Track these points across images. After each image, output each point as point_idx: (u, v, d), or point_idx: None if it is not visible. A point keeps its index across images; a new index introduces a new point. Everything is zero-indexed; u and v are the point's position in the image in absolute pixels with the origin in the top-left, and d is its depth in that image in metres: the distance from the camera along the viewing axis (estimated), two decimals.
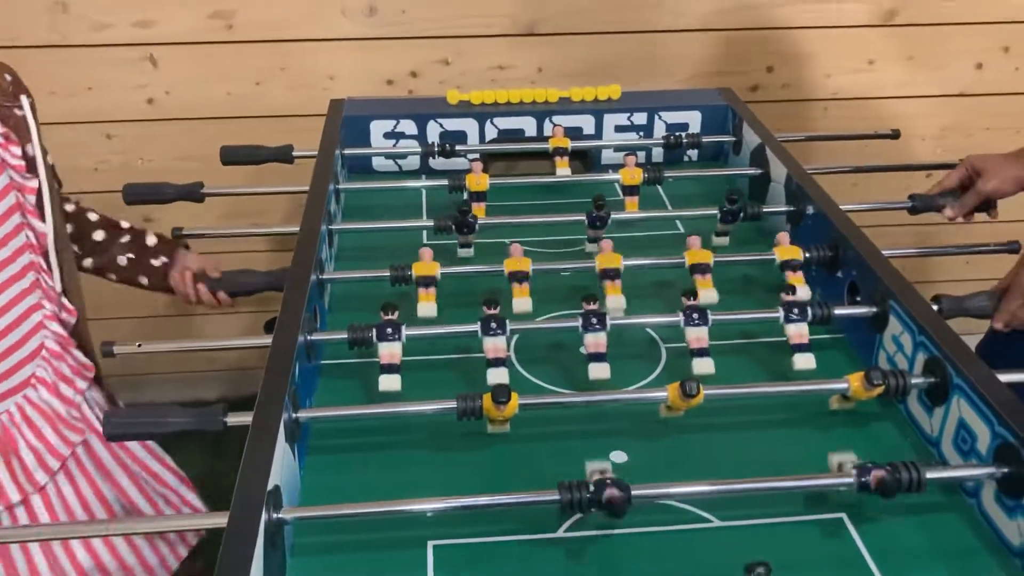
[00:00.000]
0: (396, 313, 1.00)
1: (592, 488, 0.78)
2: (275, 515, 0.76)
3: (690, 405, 0.91)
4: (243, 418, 0.86)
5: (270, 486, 0.75)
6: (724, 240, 1.30)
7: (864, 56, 1.96)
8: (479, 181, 1.34)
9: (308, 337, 0.99)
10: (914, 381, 0.93)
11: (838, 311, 1.05)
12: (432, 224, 1.25)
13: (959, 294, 1.09)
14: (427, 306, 1.13)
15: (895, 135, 1.58)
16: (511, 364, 1.07)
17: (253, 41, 1.82)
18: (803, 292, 1.13)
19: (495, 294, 1.01)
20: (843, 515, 0.85)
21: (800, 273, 1.15)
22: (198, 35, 1.81)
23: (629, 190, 1.37)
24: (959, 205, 1.32)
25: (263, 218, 2.00)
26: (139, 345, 1.05)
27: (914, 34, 1.94)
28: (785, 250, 1.16)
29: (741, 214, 1.26)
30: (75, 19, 1.75)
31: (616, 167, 1.47)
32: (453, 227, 1.24)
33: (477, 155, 1.52)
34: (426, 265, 1.12)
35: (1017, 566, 0.79)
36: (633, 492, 0.78)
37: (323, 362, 1.07)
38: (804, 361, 1.04)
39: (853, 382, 0.93)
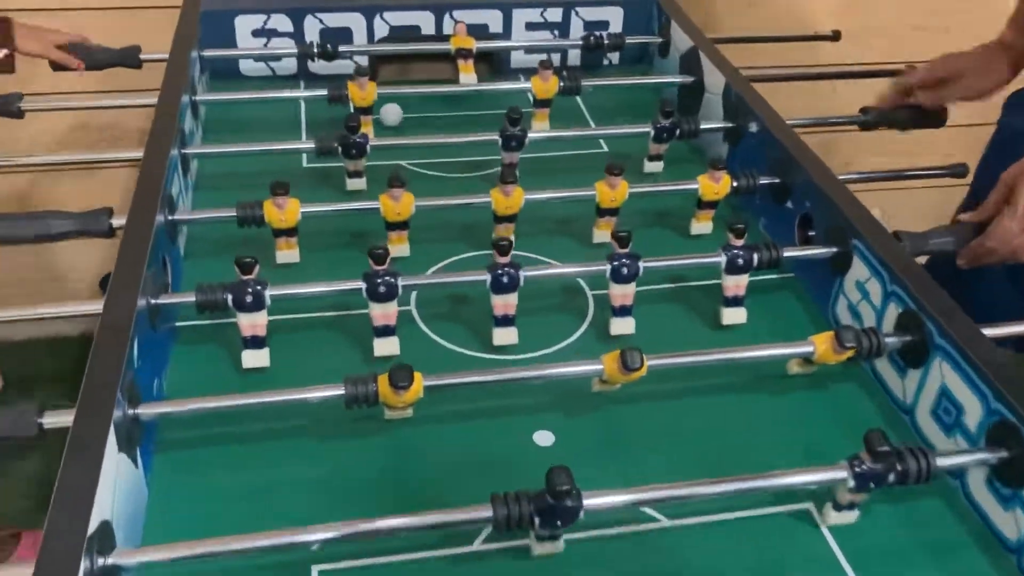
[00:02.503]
0: (256, 270, 0.80)
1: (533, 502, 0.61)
2: (101, 562, 0.57)
3: (630, 379, 0.75)
4: (64, 419, 0.66)
5: (93, 526, 0.56)
6: (658, 165, 1.13)
7: None
8: (364, 94, 1.12)
9: (153, 301, 0.78)
10: (888, 340, 0.79)
11: (789, 253, 0.90)
12: (313, 146, 1.03)
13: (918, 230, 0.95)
14: (288, 254, 0.95)
15: (835, 36, 1.42)
16: (412, 321, 0.89)
17: None
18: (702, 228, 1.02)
19: (383, 247, 0.81)
20: (809, 506, 0.71)
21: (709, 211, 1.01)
22: None
23: (542, 103, 1.18)
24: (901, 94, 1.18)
25: (120, 130, 1.72)
26: None
27: None
28: (707, 185, 0.99)
29: (676, 131, 1.09)
30: None
31: (528, 72, 1.28)
32: (339, 149, 1.03)
33: (364, 57, 1.29)
34: (282, 214, 0.91)
35: (1012, 564, 0.68)
36: (586, 502, 0.62)
37: (178, 324, 0.87)
38: (734, 316, 0.90)
39: (819, 344, 0.78)
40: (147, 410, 0.70)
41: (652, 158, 1.12)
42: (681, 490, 0.65)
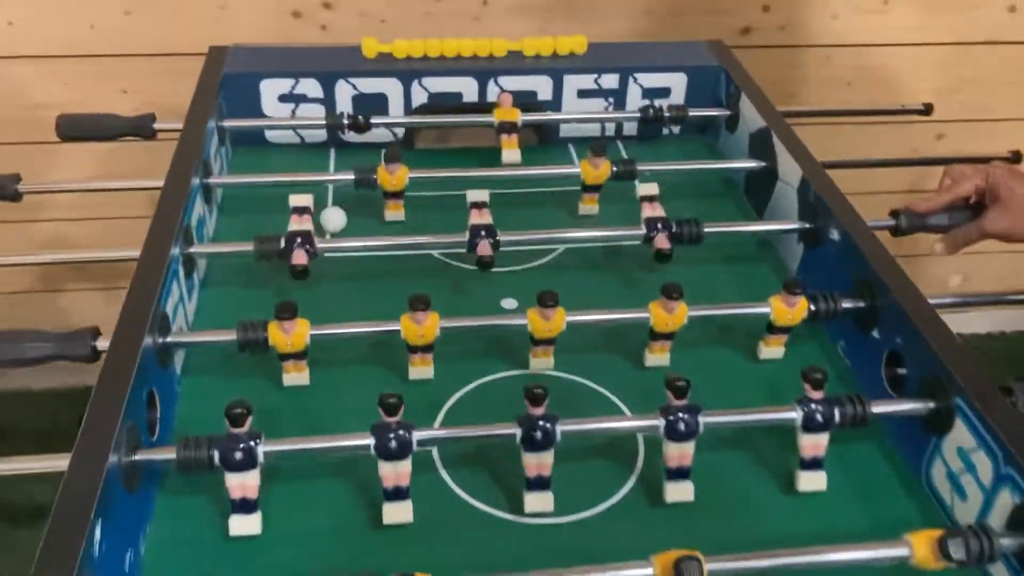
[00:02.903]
0: (249, 422, 0.69)
1: None
2: None
3: None
4: None
5: None
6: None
7: None
8: (395, 179, 1.01)
9: (126, 459, 0.67)
10: (1004, 542, 0.65)
11: (878, 409, 0.76)
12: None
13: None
14: (296, 376, 0.84)
15: (927, 110, 1.26)
16: (433, 469, 0.77)
17: None
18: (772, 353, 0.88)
19: (395, 395, 0.70)
20: None
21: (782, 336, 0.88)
22: None
23: (591, 188, 1.06)
24: (952, 239, 0.99)
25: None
26: None
27: None
28: (780, 309, 0.86)
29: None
30: None
31: (579, 141, 1.16)
32: None
33: (401, 129, 1.18)
34: (288, 339, 0.80)
35: None
36: None
37: (158, 484, 0.75)
38: (812, 481, 0.76)
39: (918, 548, 0.64)
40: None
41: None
42: None
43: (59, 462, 0.64)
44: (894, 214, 0.99)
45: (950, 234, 0.98)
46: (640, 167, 1.06)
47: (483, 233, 0.92)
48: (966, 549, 0.63)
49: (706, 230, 0.97)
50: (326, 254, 0.94)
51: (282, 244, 0.91)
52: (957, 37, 1.67)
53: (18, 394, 1.84)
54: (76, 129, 1.11)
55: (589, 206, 1.08)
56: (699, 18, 1.58)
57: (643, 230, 0.96)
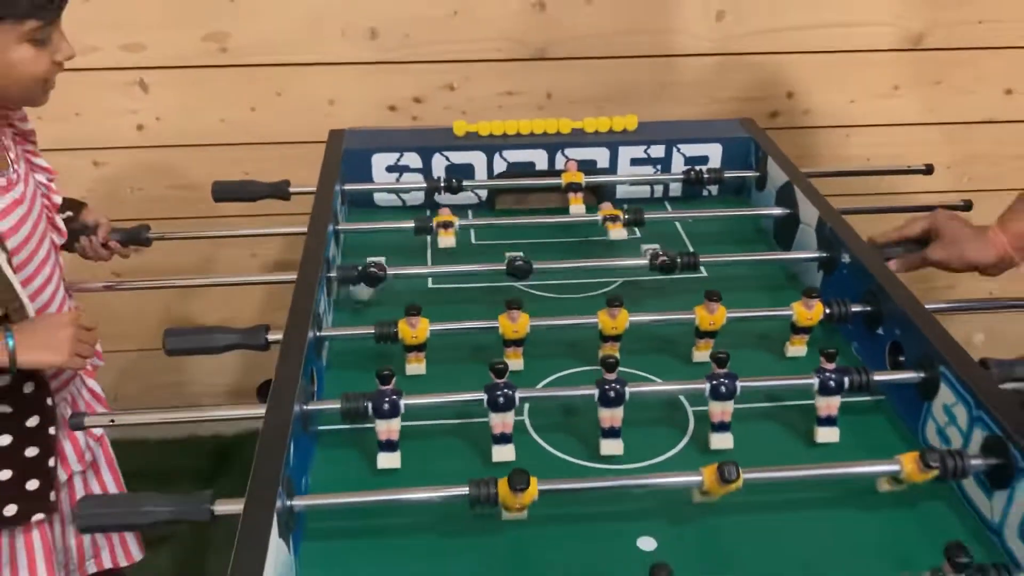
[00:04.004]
0: (394, 381, 0.91)
1: None
2: None
3: (728, 491, 0.82)
4: (233, 507, 0.77)
5: None
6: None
7: (890, 81, 1.86)
8: (417, 332, 1.14)
9: (304, 407, 0.90)
10: (973, 462, 0.84)
11: (878, 377, 0.97)
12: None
13: (1006, 357, 1.00)
14: (416, 367, 1.07)
15: (928, 170, 1.49)
16: (525, 431, 0.98)
17: (248, 65, 1.73)
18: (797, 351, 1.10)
19: (502, 362, 0.92)
20: None
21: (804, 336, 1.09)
22: (190, 59, 1.72)
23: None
24: (903, 261, 1.22)
25: (260, 247, 1.91)
26: (112, 420, 0.96)
27: (942, 58, 1.85)
28: (801, 312, 1.07)
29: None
30: None
31: (632, 201, 1.40)
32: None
33: (485, 191, 1.44)
34: (414, 332, 1.03)
35: None
36: None
37: (320, 428, 0.98)
38: (827, 435, 0.96)
39: (906, 464, 0.84)
40: (300, 502, 0.80)
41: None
42: None
43: (259, 409, 0.87)
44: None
45: (902, 257, 1.22)
46: (687, 214, 1.30)
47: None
48: (941, 461, 0.82)
49: (744, 258, 1.20)
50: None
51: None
52: (961, 117, 1.91)
53: (179, 441, 2.10)
54: (227, 192, 1.39)
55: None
56: (733, 104, 1.84)
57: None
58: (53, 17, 1.01)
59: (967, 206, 1.42)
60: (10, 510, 1.05)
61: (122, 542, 1.30)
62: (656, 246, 1.26)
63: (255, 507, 0.74)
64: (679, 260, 1.18)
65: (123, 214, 1.80)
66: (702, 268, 1.25)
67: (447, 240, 1.24)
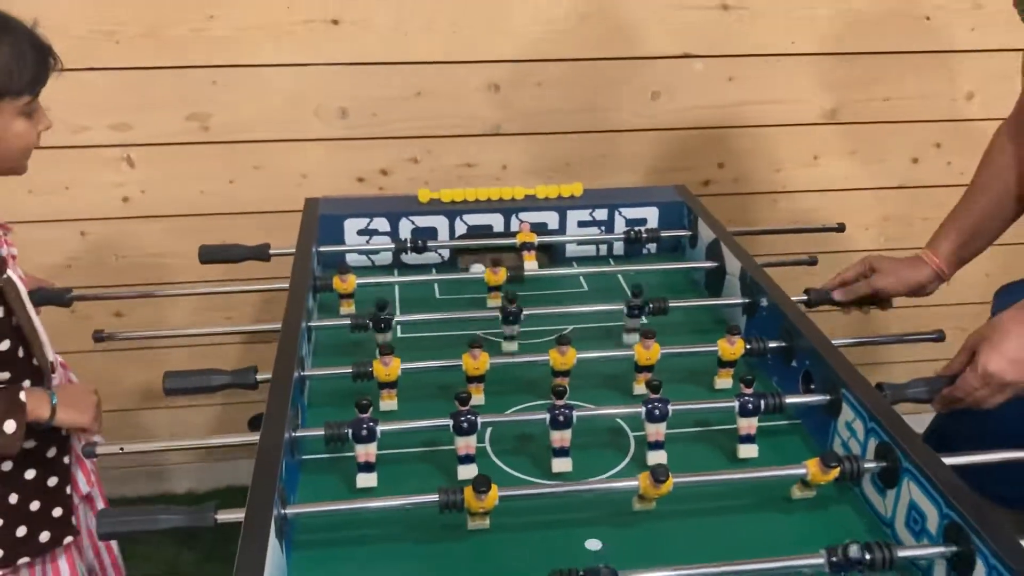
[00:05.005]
0: (371, 410, 1.05)
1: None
2: None
3: (660, 493, 0.96)
4: (234, 515, 0.89)
5: None
6: (634, 337, 1.32)
7: (810, 151, 2.08)
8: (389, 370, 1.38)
9: (292, 434, 1.03)
10: (867, 465, 0.99)
11: (790, 400, 1.12)
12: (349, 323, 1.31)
13: (899, 381, 1.17)
14: (389, 403, 1.20)
15: (840, 228, 1.68)
16: (486, 455, 1.11)
17: (228, 142, 1.89)
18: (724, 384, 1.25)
19: (466, 391, 1.06)
20: None
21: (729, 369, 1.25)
22: (174, 136, 1.87)
23: None
24: (849, 290, 1.41)
25: (235, 311, 2.04)
26: (121, 448, 1.08)
27: (855, 131, 2.07)
28: (725, 347, 1.23)
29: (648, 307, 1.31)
30: (55, 122, 1.80)
31: (580, 260, 1.56)
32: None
33: (447, 251, 1.59)
34: (387, 370, 1.17)
35: None
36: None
37: (304, 457, 1.11)
38: (748, 451, 1.11)
39: (811, 467, 0.99)
40: (292, 510, 0.93)
41: (628, 331, 1.36)
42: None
43: (255, 436, 1.00)
44: (807, 291, 1.39)
45: (849, 287, 1.41)
46: (628, 267, 1.46)
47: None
48: (839, 462, 0.98)
49: (679, 304, 1.36)
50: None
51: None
52: (875, 183, 2.12)
53: (154, 498, 2.20)
54: (212, 255, 1.52)
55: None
56: (669, 174, 2.03)
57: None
58: (39, 91, 1.16)
59: (841, 228, 1.68)
60: (44, 536, 1.16)
61: None
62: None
63: (256, 511, 0.86)
64: (651, 306, 1.34)
65: (107, 280, 1.94)
66: (643, 316, 1.41)
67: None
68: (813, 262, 1.60)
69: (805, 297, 1.39)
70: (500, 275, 1.40)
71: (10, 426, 1.13)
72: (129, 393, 2.11)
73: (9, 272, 1.19)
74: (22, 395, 1.17)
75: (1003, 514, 0.91)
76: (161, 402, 2.11)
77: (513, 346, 1.32)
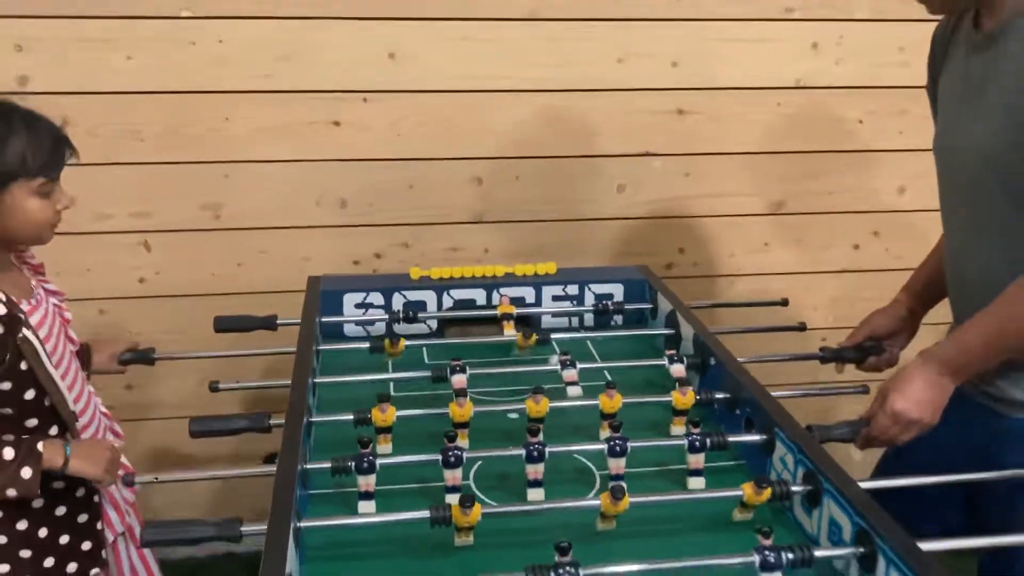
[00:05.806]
0: (371, 447, 1.22)
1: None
2: None
3: (618, 510, 1.13)
4: (257, 527, 1.06)
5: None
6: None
7: (760, 239, 2.31)
8: (386, 416, 1.58)
9: (303, 466, 1.20)
10: (795, 488, 1.17)
11: (732, 438, 1.30)
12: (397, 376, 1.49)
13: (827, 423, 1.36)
14: (385, 447, 1.37)
15: (784, 303, 1.89)
16: (470, 490, 1.28)
17: (238, 229, 2.10)
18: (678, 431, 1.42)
19: (454, 431, 1.24)
20: None
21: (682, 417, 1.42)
22: (189, 224, 2.08)
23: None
24: (878, 359, 1.62)
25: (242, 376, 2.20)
26: (156, 478, 1.24)
27: (800, 221, 2.31)
28: (678, 398, 1.42)
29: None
30: (80, 210, 2.01)
31: (555, 329, 1.75)
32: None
33: (435, 321, 1.78)
34: (384, 416, 1.34)
35: None
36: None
37: (311, 491, 1.27)
38: (696, 483, 1.28)
39: (746, 489, 1.16)
40: (306, 523, 1.09)
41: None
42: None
43: (270, 467, 1.17)
44: (822, 349, 1.63)
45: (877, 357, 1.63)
46: (597, 333, 1.66)
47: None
48: (770, 484, 1.15)
49: (641, 364, 1.55)
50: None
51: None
52: (820, 268, 2.35)
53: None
54: (226, 324, 1.71)
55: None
56: (634, 258, 2.24)
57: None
58: (56, 174, 1.35)
59: (784, 302, 1.91)
60: (72, 567, 1.30)
61: None
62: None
63: (277, 521, 1.03)
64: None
65: None
66: (606, 374, 1.60)
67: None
68: (784, 303, 1.81)
69: (820, 354, 1.65)
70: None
71: (26, 472, 1.29)
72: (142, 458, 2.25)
73: (25, 332, 1.33)
74: (40, 445, 1.32)
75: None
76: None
77: None
